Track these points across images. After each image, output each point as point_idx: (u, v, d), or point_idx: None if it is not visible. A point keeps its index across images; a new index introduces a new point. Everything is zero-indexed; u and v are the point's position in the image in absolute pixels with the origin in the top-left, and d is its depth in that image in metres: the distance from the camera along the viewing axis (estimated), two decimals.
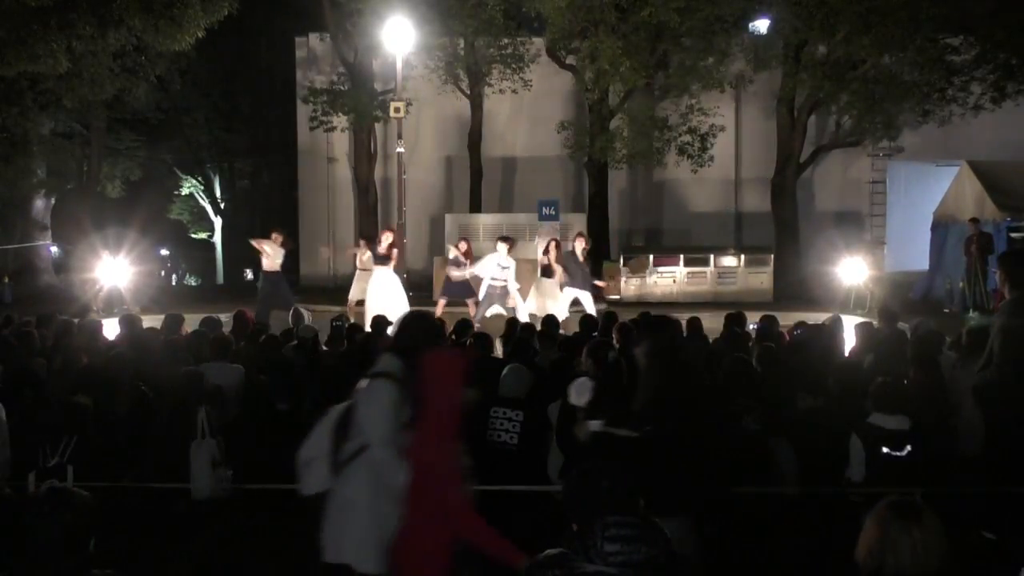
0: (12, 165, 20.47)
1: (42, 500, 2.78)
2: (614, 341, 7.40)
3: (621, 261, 19.36)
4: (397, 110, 17.79)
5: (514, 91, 21.80)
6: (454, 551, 3.56)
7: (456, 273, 13.45)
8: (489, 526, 3.53)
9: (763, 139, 22.78)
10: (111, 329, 9.65)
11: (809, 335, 8.24)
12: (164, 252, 37.01)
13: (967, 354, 6.40)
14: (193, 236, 37.09)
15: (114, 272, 16.93)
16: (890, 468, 4.91)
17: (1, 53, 15.84)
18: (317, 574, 3.86)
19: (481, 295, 12.96)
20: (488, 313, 12.78)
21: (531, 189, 22.92)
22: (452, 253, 13.74)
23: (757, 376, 6.13)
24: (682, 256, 19.32)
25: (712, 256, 19.22)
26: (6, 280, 20.35)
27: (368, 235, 13.64)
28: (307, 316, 9.91)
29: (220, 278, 34.32)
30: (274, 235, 13.71)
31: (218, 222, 35.20)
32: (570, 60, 20.81)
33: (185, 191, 35.41)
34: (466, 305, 13.28)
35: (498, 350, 8.39)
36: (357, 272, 13.53)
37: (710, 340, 8.39)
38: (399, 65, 18.16)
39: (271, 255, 13.40)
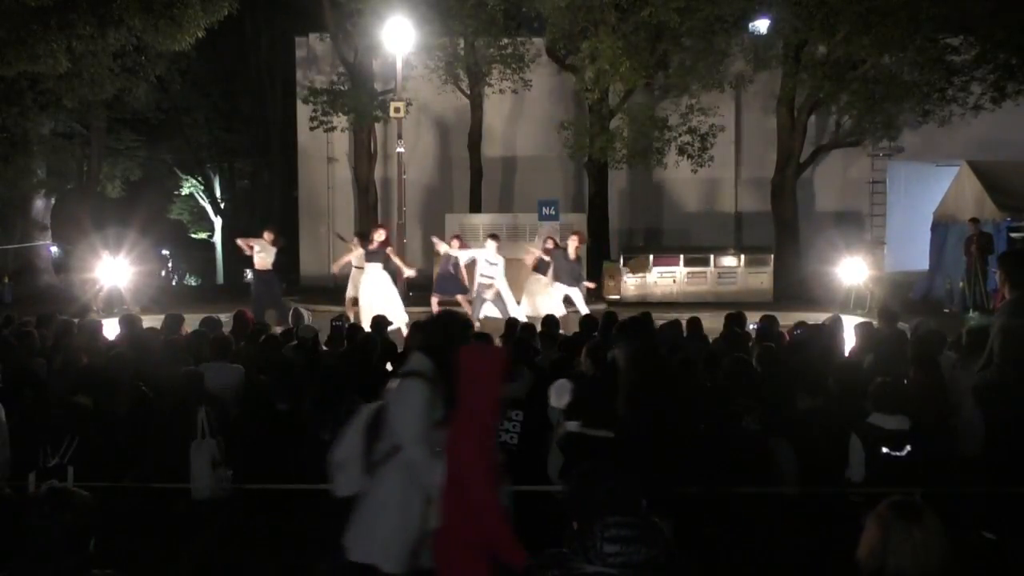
0: (12, 165, 20.46)
1: (42, 500, 2.78)
2: None
3: (621, 261, 19.36)
4: (397, 110, 17.78)
5: (514, 91, 21.80)
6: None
7: (443, 248, 13.59)
8: (508, 527, 3.50)
9: (763, 139, 22.78)
10: (111, 329, 9.65)
11: (809, 335, 8.25)
12: (165, 252, 36.98)
13: (967, 354, 6.41)
14: (193, 236, 37.07)
15: (114, 272, 16.94)
16: (890, 468, 4.91)
17: (1, 53, 15.83)
18: (331, 573, 3.84)
19: (473, 294, 13.04)
20: (482, 315, 12.83)
21: (531, 189, 22.91)
22: (443, 248, 13.80)
23: (757, 376, 6.13)
24: (682, 256, 19.32)
25: (712, 256, 19.22)
26: (6, 280, 20.35)
27: (361, 232, 13.73)
28: (307, 316, 9.91)
29: (220, 278, 34.30)
30: (266, 234, 13.87)
31: (218, 222, 35.17)
32: (570, 60, 20.80)
33: (185, 191, 35.37)
34: (458, 303, 13.34)
35: None
36: (352, 270, 13.65)
37: (710, 340, 8.40)
38: (399, 65, 18.16)
39: (262, 254, 13.54)
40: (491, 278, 12.81)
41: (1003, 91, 19.06)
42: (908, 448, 4.97)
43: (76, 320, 9.22)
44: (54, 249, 26.33)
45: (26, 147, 20.76)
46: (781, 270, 19.45)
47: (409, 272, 14.03)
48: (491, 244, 12.91)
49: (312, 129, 22.05)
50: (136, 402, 6.15)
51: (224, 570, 5.04)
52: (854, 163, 23.90)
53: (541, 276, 13.20)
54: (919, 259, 19.50)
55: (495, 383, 3.61)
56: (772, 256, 19.40)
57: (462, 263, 13.36)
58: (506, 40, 20.99)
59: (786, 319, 10.15)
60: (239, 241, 14.01)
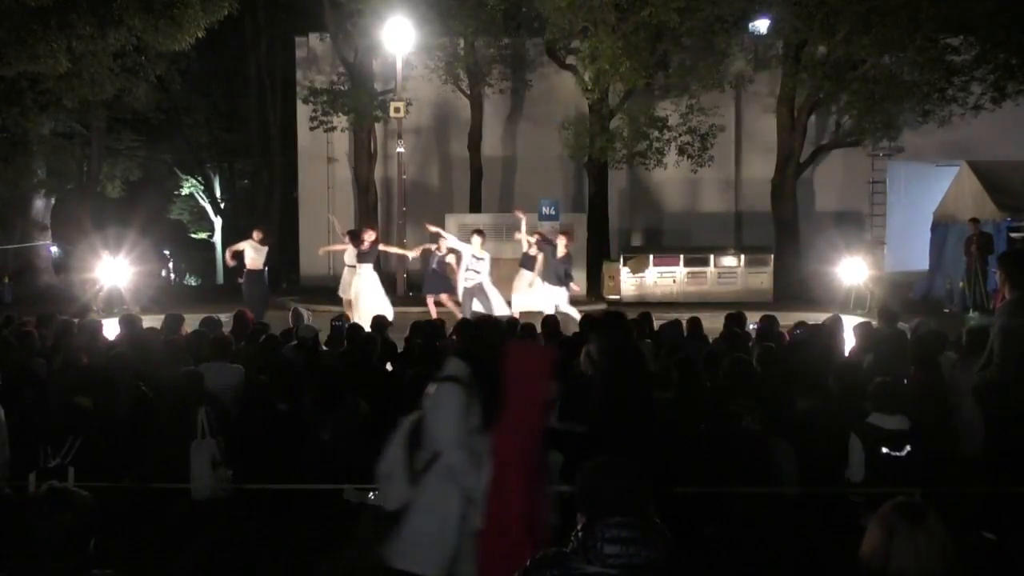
0: (12, 165, 20.47)
1: (42, 500, 2.77)
2: None
3: (621, 261, 19.36)
4: (397, 110, 17.80)
5: (514, 91, 21.79)
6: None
7: (434, 229, 13.74)
8: (531, 529, 3.47)
9: (763, 139, 22.77)
10: (111, 329, 9.65)
11: (809, 335, 8.25)
12: (166, 252, 36.98)
13: (967, 354, 6.40)
14: (193, 236, 37.05)
15: (114, 272, 16.94)
16: (890, 468, 4.91)
17: (1, 53, 15.84)
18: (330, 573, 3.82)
19: (460, 292, 13.12)
20: (471, 311, 12.91)
21: (531, 189, 22.91)
22: (444, 239, 13.85)
23: (757, 376, 6.13)
24: (682, 256, 19.32)
25: (712, 256, 19.23)
26: (6, 280, 20.35)
27: (353, 232, 13.84)
28: (307, 316, 9.90)
29: (220, 278, 34.26)
30: (255, 233, 14.03)
31: (218, 222, 35.14)
32: (570, 60, 20.81)
33: (185, 191, 35.37)
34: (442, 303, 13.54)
35: None
36: (345, 269, 13.77)
37: (710, 340, 8.40)
38: (399, 65, 18.18)
39: (252, 254, 13.68)
40: (477, 273, 12.97)
41: (1003, 91, 19.06)
42: (908, 448, 4.97)
43: (76, 320, 9.20)
44: (54, 249, 26.32)
45: (26, 147, 20.78)
46: (781, 270, 19.45)
47: (412, 254, 14.89)
48: (476, 240, 13.05)
49: (312, 129, 22.06)
50: (136, 402, 6.15)
51: (224, 570, 5.03)
52: (854, 163, 23.88)
53: (527, 272, 13.28)
54: (919, 259, 19.50)
55: (543, 381, 3.58)
56: (772, 256, 19.40)
57: (449, 246, 13.43)
58: (506, 40, 21.00)
59: (786, 319, 10.15)
60: (227, 254, 14.31)
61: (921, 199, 21.08)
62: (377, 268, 13.44)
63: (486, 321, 4.13)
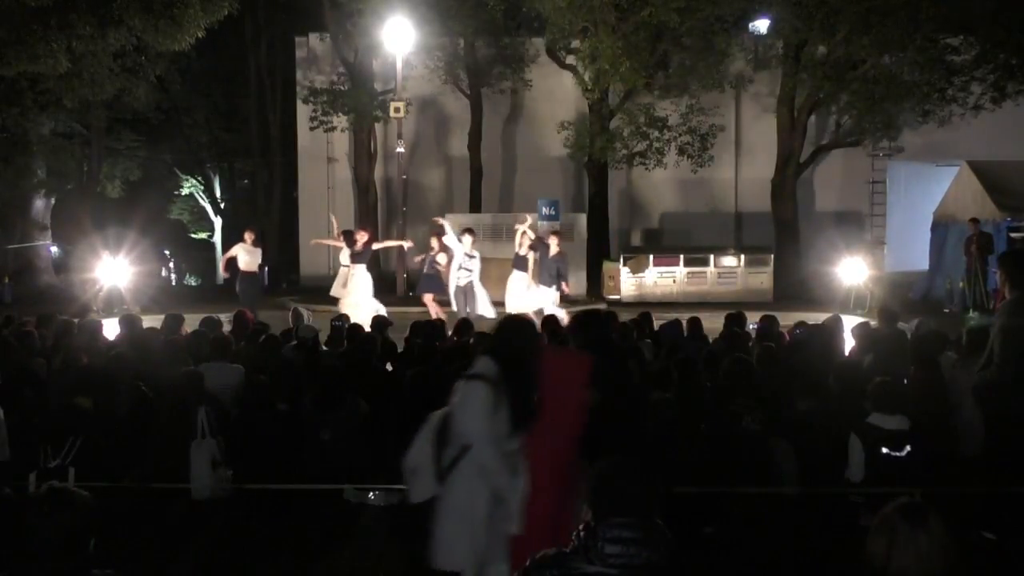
0: (12, 165, 20.47)
1: (42, 500, 2.77)
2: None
3: (621, 261, 19.36)
4: (397, 110, 17.80)
5: (514, 91, 21.79)
6: None
7: (441, 220, 13.98)
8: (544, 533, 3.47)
9: (763, 139, 22.77)
10: (111, 329, 9.65)
11: (809, 335, 8.24)
12: (166, 252, 37.00)
13: (967, 354, 6.41)
14: (193, 236, 37.05)
15: (114, 272, 16.94)
16: (890, 468, 4.91)
17: (1, 53, 15.84)
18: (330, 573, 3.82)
19: (451, 292, 13.17)
20: (461, 308, 12.98)
21: (531, 189, 22.91)
22: (448, 231, 13.91)
23: (757, 376, 6.13)
24: (682, 256, 19.31)
25: (712, 256, 19.22)
26: (6, 280, 20.34)
27: (347, 232, 13.90)
28: (307, 316, 9.90)
29: (220, 278, 34.27)
30: (247, 235, 14.11)
31: (218, 222, 35.13)
32: (570, 60, 20.82)
33: (185, 191, 35.36)
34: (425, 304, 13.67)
35: None
36: (340, 268, 13.85)
37: (710, 340, 8.40)
38: (399, 65, 18.17)
39: (246, 257, 13.77)
40: (469, 271, 13.06)
41: (1003, 91, 19.07)
42: (908, 448, 4.97)
43: (76, 320, 9.20)
44: (54, 249, 26.32)
45: (26, 147, 20.76)
46: (781, 270, 19.45)
47: (406, 244, 15.48)
48: (467, 239, 13.17)
49: (312, 129, 22.06)
50: (136, 402, 6.15)
51: (224, 570, 5.03)
52: (854, 163, 23.87)
53: (519, 273, 13.34)
54: (919, 259, 19.50)
55: (581, 386, 3.58)
56: (772, 256, 19.40)
57: (445, 242, 13.51)
58: (506, 40, 21.00)
59: (786, 319, 10.15)
60: (221, 265, 14.41)
61: (921, 199, 21.07)
62: (376, 268, 13.49)
63: (518, 323, 4.11)
